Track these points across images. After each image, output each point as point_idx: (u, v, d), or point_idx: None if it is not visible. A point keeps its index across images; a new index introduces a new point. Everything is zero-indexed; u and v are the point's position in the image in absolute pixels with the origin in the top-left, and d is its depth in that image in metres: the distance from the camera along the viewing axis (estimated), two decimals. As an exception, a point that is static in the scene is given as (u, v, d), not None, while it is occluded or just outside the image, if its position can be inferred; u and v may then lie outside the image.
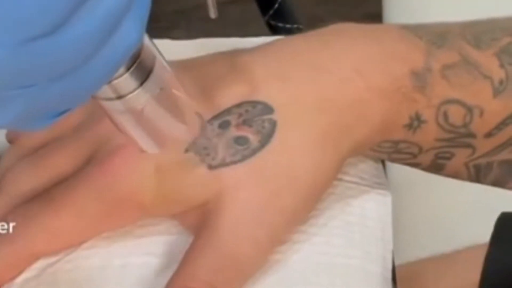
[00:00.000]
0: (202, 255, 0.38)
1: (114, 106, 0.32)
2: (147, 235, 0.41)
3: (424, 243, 0.84)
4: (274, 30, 0.69)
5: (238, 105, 0.40)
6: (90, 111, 0.43)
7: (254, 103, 0.40)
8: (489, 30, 0.43)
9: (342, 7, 1.25)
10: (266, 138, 0.40)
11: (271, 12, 0.69)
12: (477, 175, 0.45)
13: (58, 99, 0.28)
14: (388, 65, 0.41)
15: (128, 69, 0.31)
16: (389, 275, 0.41)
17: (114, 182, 0.39)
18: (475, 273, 0.47)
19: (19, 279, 0.40)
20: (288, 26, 0.68)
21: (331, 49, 0.41)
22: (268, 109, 0.40)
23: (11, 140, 0.45)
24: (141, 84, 0.31)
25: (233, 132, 0.40)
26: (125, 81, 0.31)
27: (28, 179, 0.41)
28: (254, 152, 0.39)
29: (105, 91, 0.31)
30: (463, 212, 0.87)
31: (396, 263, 0.42)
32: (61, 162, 0.41)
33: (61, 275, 0.39)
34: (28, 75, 0.26)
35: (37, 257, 0.40)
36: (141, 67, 0.31)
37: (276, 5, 0.68)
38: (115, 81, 0.31)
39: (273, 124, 0.40)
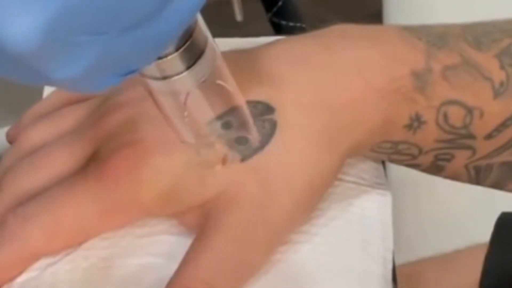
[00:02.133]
0: (203, 256, 0.38)
1: (159, 87, 0.32)
2: (147, 235, 0.41)
3: (424, 243, 0.83)
4: (277, 28, 0.69)
5: None
6: (90, 112, 0.43)
7: (255, 103, 0.40)
8: (490, 31, 0.43)
9: (342, 7, 1.25)
10: (266, 138, 0.40)
11: (274, 9, 0.69)
12: (477, 177, 0.45)
13: (128, 52, 0.28)
14: (388, 66, 0.41)
15: (178, 49, 0.30)
16: (389, 275, 0.41)
17: (114, 182, 0.39)
18: (475, 273, 0.47)
19: (19, 279, 0.40)
20: (291, 24, 0.68)
21: (331, 50, 0.41)
22: (269, 109, 0.40)
23: (11, 140, 0.45)
24: (189, 67, 0.31)
25: (234, 132, 0.40)
26: (173, 61, 0.31)
27: (28, 179, 0.41)
28: (255, 152, 0.39)
29: (152, 69, 0.31)
30: (463, 212, 0.87)
31: (397, 263, 0.42)
32: (61, 162, 0.41)
33: (61, 276, 0.39)
34: (103, 21, 0.26)
35: (37, 257, 0.40)
36: (191, 49, 0.31)
37: (280, 3, 0.68)
38: (163, 60, 0.30)
39: (274, 124, 0.40)
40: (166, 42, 0.29)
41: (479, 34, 0.43)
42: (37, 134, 0.44)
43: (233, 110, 0.35)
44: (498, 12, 0.45)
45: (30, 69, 0.27)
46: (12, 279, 0.40)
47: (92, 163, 0.40)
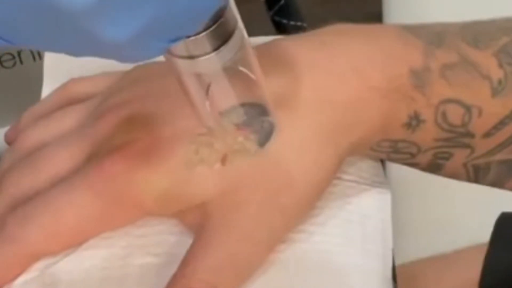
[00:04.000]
0: (203, 255, 0.38)
1: (185, 67, 0.32)
2: (148, 235, 0.41)
3: (424, 242, 0.84)
4: (278, 27, 0.69)
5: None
6: (88, 112, 0.43)
7: (253, 103, 0.40)
8: (488, 30, 0.43)
9: (342, 7, 1.25)
10: (265, 137, 0.40)
11: (276, 8, 0.69)
12: (476, 175, 0.45)
13: (181, 12, 0.28)
14: (387, 65, 0.41)
15: (208, 28, 0.30)
16: (389, 273, 0.41)
17: (113, 181, 0.39)
18: (475, 273, 0.47)
19: (19, 280, 0.40)
20: (292, 23, 0.68)
21: (330, 49, 0.41)
22: (268, 109, 0.40)
23: (9, 141, 0.45)
24: (216, 49, 0.31)
25: (232, 131, 0.40)
26: (201, 40, 0.31)
27: (28, 179, 0.41)
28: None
29: (180, 47, 0.31)
30: (463, 212, 0.87)
31: (397, 262, 0.42)
32: (60, 162, 0.41)
33: (61, 276, 0.39)
34: None
35: (37, 258, 0.40)
36: (220, 30, 0.31)
37: (282, 2, 0.68)
38: (191, 39, 0.30)
39: (272, 124, 0.40)
40: (216, 5, 0.29)
41: (477, 33, 0.43)
42: (36, 135, 0.44)
43: (255, 99, 0.35)
44: (497, 12, 0.45)
45: (84, 32, 0.26)
46: (12, 279, 0.40)
47: (91, 163, 0.40)
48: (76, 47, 0.28)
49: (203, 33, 0.30)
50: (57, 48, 0.29)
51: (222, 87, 0.33)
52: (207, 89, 0.33)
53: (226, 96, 0.34)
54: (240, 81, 0.34)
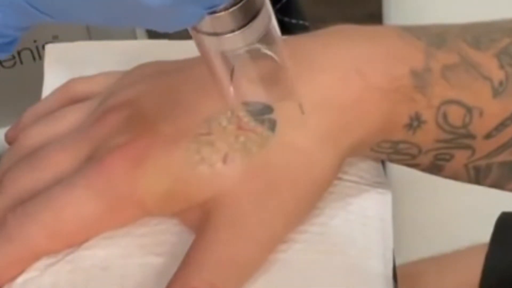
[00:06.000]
0: (204, 255, 0.38)
1: (210, 44, 0.32)
2: (148, 234, 0.41)
3: (424, 243, 0.83)
4: (279, 25, 0.69)
5: None
6: (88, 112, 0.43)
7: (254, 102, 0.40)
8: (488, 31, 0.43)
9: (342, 7, 1.25)
10: (266, 137, 0.40)
11: (278, 6, 0.69)
12: (477, 176, 0.45)
13: None
14: (388, 65, 0.41)
15: (235, 5, 0.31)
16: (390, 273, 0.41)
17: (114, 181, 0.39)
18: (475, 273, 0.47)
19: (19, 280, 0.40)
20: (294, 21, 0.68)
21: (331, 50, 0.41)
22: (268, 108, 0.40)
23: (10, 141, 0.45)
24: (242, 27, 0.31)
25: (233, 131, 0.40)
26: (227, 17, 0.31)
27: (28, 179, 0.41)
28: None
29: (206, 23, 0.31)
30: (464, 212, 0.87)
31: (397, 262, 0.42)
32: (61, 162, 0.41)
33: (62, 276, 0.39)
34: None
35: (37, 257, 0.40)
36: (247, 8, 0.31)
37: (284, 0, 0.68)
38: (218, 14, 0.31)
39: (273, 123, 0.40)
40: None
41: (478, 34, 0.43)
42: (36, 135, 0.44)
43: (279, 82, 0.35)
44: (498, 13, 0.45)
45: None
46: (12, 279, 0.40)
47: (91, 163, 0.40)
48: (117, 15, 0.29)
49: (231, 9, 0.31)
50: (98, 18, 0.30)
51: (246, 69, 0.33)
52: (231, 72, 0.33)
53: (249, 78, 0.34)
54: (264, 63, 0.34)
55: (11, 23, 0.32)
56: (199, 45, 0.33)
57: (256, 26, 0.32)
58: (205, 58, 0.34)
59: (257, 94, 0.35)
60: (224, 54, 0.33)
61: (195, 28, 0.32)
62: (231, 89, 0.34)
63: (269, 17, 0.32)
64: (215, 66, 0.34)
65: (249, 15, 0.31)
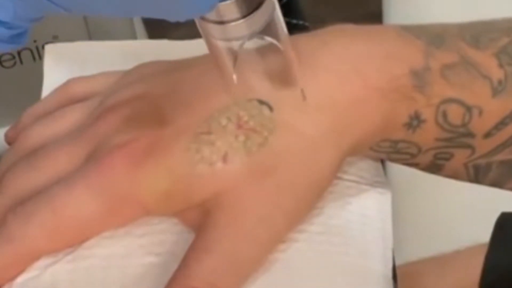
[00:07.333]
0: (204, 255, 0.38)
1: (215, 33, 0.32)
2: (148, 234, 0.41)
3: (424, 243, 0.83)
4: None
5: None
6: (88, 112, 0.43)
7: (254, 101, 0.40)
8: (488, 30, 0.43)
9: (342, 7, 1.25)
10: (265, 137, 0.40)
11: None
12: (476, 175, 0.45)
13: None
14: (387, 65, 0.41)
15: None
16: (389, 273, 0.41)
17: (113, 180, 0.39)
18: (475, 273, 0.47)
19: (19, 279, 0.40)
20: (293, 21, 0.68)
21: (330, 49, 0.41)
22: (268, 108, 0.40)
23: (9, 141, 0.45)
24: (246, 15, 0.32)
25: (233, 130, 0.40)
26: (233, 5, 0.31)
27: (27, 179, 0.41)
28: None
29: (212, 12, 0.32)
30: (463, 212, 0.87)
31: (397, 262, 0.42)
32: (60, 162, 0.41)
33: (62, 275, 0.39)
34: None
35: (37, 257, 0.40)
36: None
37: (284, 0, 0.68)
38: (224, 3, 0.31)
39: (274, 121, 0.40)
40: None
41: (477, 33, 0.43)
42: (36, 135, 0.44)
43: (282, 71, 0.36)
44: (497, 12, 0.45)
45: None
46: (12, 278, 0.40)
47: (91, 162, 0.40)
48: (132, 4, 0.29)
49: None
50: (113, 9, 0.30)
51: (251, 56, 0.34)
52: (234, 61, 0.34)
53: (254, 64, 0.34)
54: (268, 52, 0.34)
55: (23, 15, 0.32)
56: (205, 33, 0.33)
57: (261, 15, 0.32)
58: (210, 46, 0.34)
59: (260, 83, 0.35)
60: (229, 42, 0.33)
61: (202, 17, 0.32)
62: (234, 77, 0.34)
63: (273, 5, 0.33)
64: (220, 54, 0.34)
65: (254, 4, 0.32)
